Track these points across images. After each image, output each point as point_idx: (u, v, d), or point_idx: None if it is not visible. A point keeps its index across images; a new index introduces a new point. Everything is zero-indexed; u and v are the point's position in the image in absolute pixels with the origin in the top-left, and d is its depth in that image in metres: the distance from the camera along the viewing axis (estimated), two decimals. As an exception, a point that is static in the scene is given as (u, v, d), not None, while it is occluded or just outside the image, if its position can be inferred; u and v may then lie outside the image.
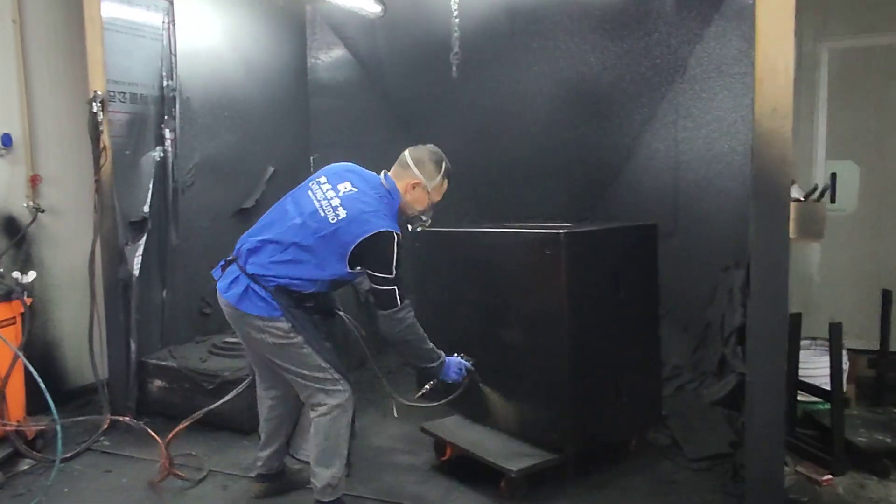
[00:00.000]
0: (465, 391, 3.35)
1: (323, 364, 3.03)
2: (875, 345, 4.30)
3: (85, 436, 4.08)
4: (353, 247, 2.92)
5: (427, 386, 3.36)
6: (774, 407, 2.99)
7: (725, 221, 4.58)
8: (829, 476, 3.43)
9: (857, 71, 4.98)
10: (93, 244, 4.19)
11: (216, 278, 3.16)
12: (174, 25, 4.50)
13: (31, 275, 3.78)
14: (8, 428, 3.59)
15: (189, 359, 4.32)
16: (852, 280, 5.00)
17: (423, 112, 5.54)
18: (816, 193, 3.03)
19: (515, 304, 3.45)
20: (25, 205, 4.35)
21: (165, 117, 4.50)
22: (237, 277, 3.03)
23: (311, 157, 5.61)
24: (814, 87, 5.05)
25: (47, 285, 4.52)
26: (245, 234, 3.17)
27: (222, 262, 3.17)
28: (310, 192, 3.07)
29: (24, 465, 3.73)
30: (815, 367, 3.94)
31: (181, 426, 3.51)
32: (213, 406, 3.62)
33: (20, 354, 3.55)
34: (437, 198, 3.24)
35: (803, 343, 4.19)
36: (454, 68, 4.49)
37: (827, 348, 4.08)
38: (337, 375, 3.06)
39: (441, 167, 3.19)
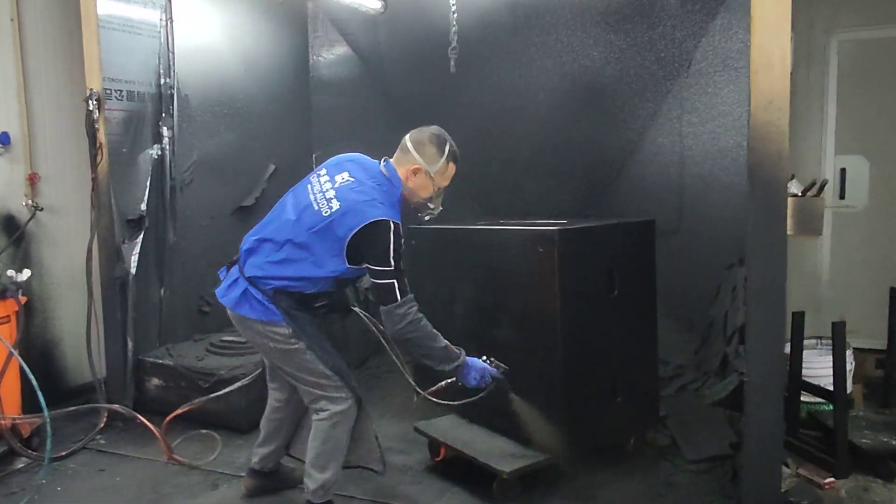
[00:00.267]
0: (491, 397, 3.08)
1: (326, 371, 2.93)
2: (884, 344, 4.19)
3: (82, 434, 4.08)
4: (348, 240, 2.78)
5: (443, 383, 3.13)
6: (773, 407, 2.92)
7: (731, 218, 4.48)
8: (832, 479, 3.35)
9: (868, 64, 4.85)
10: (90, 242, 4.19)
11: (221, 279, 3.09)
12: (172, 22, 4.48)
13: (26, 273, 3.79)
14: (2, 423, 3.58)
15: (186, 357, 4.31)
16: (862, 278, 4.89)
17: (425, 108, 5.42)
18: (815, 189, 2.94)
19: (509, 303, 3.39)
20: (24, 203, 4.35)
21: (163, 115, 4.49)
22: (236, 280, 2.98)
23: (314, 155, 5.57)
24: (823, 81, 4.94)
25: (47, 284, 4.54)
26: (248, 233, 3.08)
27: (228, 263, 3.10)
28: (308, 186, 2.97)
29: (20, 463, 3.72)
30: (820, 366, 3.84)
31: (177, 412, 3.49)
32: (209, 396, 3.60)
33: (14, 352, 3.55)
34: (443, 183, 3.06)
35: (808, 342, 4.11)
36: (452, 64, 4.41)
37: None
38: (340, 383, 2.96)
39: (444, 150, 3.00)
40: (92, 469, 3.74)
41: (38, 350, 4.51)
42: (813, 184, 2.97)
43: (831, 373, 3.52)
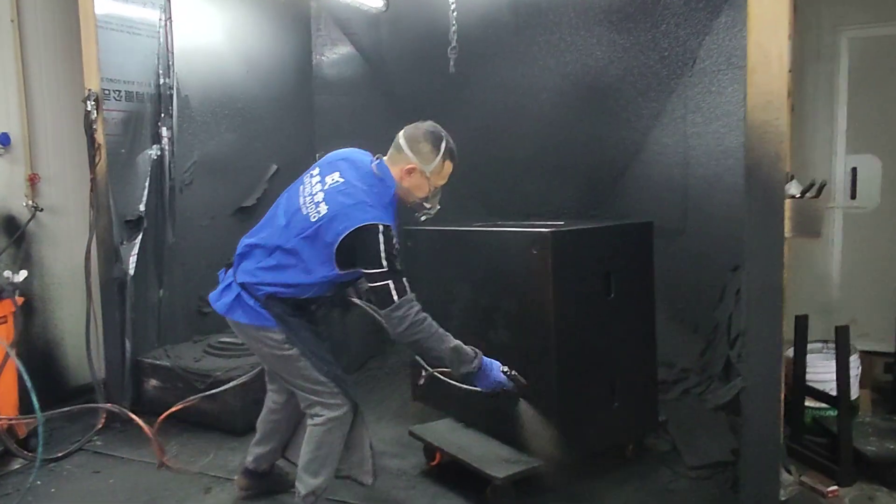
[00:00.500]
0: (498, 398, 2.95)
1: (321, 378, 2.87)
2: (894, 347, 4.10)
3: (80, 434, 4.08)
4: (336, 246, 2.69)
5: (425, 373, 3.04)
6: (771, 413, 2.85)
7: (736, 219, 4.30)
8: (835, 487, 3.27)
9: (880, 61, 4.74)
10: (88, 243, 4.20)
11: (220, 280, 3.05)
12: (171, 22, 4.48)
13: (23, 274, 3.79)
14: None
15: (183, 358, 4.30)
16: (873, 279, 4.78)
17: (427, 107, 5.37)
18: (814, 190, 2.86)
19: (505, 305, 3.33)
20: (24, 204, 4.35)
21: (162, 115, 4.48)
22: (229, 285, 2.95)
23: (317, 155, 5.54)
24: (833, 79, 4.83)
25: (47, 284, 4.55)
26: (244, 236, 3.03)
27: (226, 265, 3.07)
28: (301, 188, 2.89)
29: (16, 464, 3.73)
30: (826, 370, 3.75)
31: (168, 412, 3.46)
32: (198, 396, 3.57)
33: (11, 353, 3.55)
34: (439, 182, 2.94)
35: (815, 346, 4.03)
36: (451, 63, 4.37)
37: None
38: (336, 389, 2.90)
39: (440, 147, 2.87)
40: (87, 470, 3.73)
41: (39, 350, 4.52)
42: (812, 185, 2.89)
43: (849, 376, 3.44)
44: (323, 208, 2.74)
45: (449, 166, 2.95)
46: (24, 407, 3.83)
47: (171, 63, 4.50)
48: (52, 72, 4.50)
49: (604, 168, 5.17)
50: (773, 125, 2.74)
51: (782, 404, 3.57)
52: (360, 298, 3.20)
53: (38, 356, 4.50)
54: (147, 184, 4.41)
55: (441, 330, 2.75)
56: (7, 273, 3.73)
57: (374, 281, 2.66)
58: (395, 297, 2.65)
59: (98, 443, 4.03)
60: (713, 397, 4.00)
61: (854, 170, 4.86)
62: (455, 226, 3.68)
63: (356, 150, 3.00)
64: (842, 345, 3.36)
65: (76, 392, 4.62)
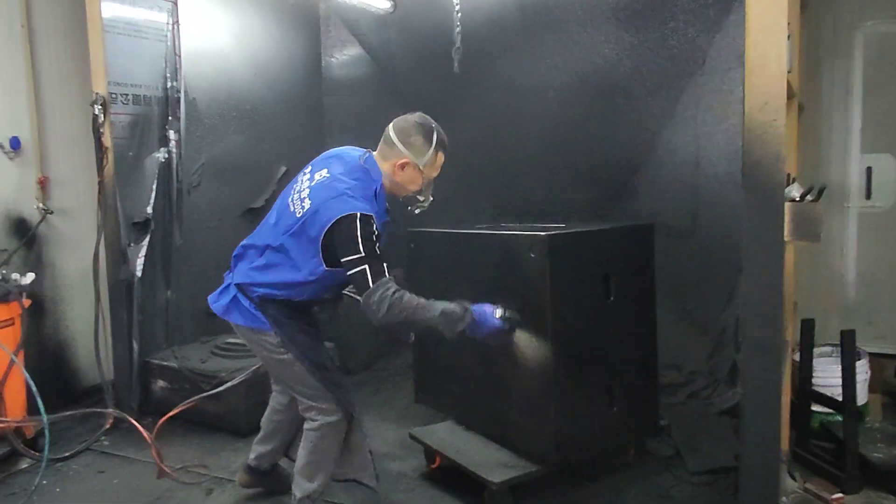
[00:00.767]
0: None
1: (315, 384, 2.86)
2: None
3: (88, 435, 4.13)
4: (321, 240, 2.67)
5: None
6: (770, 419, 2.80)
7: None
8: (840, 494, 3.20)
9: (896, 58, 4.65)
10: (96, 245, 4.25)
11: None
12: (178, 26, 4.51)
13: (30, 276, 3.84)
14: (3, 426, 3.64)
15: (190, 359, 4.34)
16: (889, 280, 4.68)
17: (437, 108, 5.32)
18: (814, 192, 2.80)
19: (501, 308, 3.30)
20: (35, 206, 4.42)
21: (170, 118, 4.51)
22: (227, 286, 2.96)
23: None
24: (848, 76, 4.73)
25: (58, 286, 4.61)
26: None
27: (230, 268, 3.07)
28: (293, 186, 2.88)
29: (24, 463, 3.78)
30: (834, 375, 3.67)
31: (166, 416, 3.51)
32: (195, 399, 3.60)
33: (15, 358, 3.60)
34: (433, 174, 2.91)
35: (824, 349, 3.96)
36: (456, 64, 4.35)
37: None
38: (329, 396, 2.89)
39: (432, 139, 2.85)
40: (92, 470, 3.78)
41: (50, 351, 4.59)
42: (811, 188, 2.83)
43: (855, 381, 3.38)
44: (307, 203, 2.73)
45: (441, 157, 2.92)
46: (33, 408, 3.89)
47: (178, 66, 4.53)
48: (62, 76, 4.56)
49: (614, 168, 5.12)
50: (771, 126, 2.69)
51: (786, 410, 3.55)
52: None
53: (50, 357, 4.58)
54: (154, 186, 4.45)
55: (422, 300, 2.68)
56: (14, 275, 3.78)
57: (353, 268, 2.60)
58: (371, 281, 2.58)
59: (105, 443, 4.08)
60: (718, 401, 3.95)
61: (869, 169, 4.75)
62: (456, 228, 3.66)
63: (349, 147, 2.98)
64: (847, 349, 3.30)
65: (88, 392, 4.69)
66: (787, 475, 3.41)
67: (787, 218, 2.72)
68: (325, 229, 2.64)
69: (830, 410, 3.58)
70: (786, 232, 2.73)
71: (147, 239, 4.38)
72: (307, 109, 5.52)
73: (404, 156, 2.82)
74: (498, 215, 5.25)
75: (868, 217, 4.78)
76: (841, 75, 4.73)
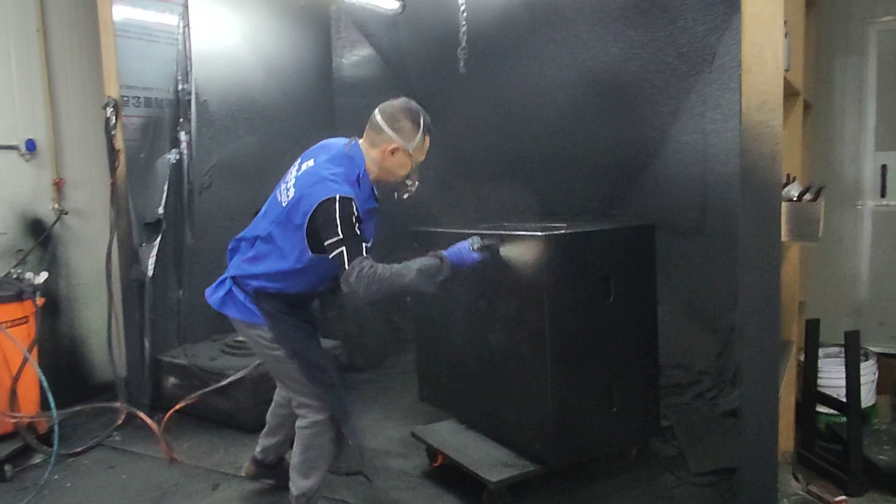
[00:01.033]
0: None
1: (306, 381, 2.89)
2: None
3: (101, 430, 4.22)
4: (306, 227, 2.67)
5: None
6: (768, 421, 2.77)
7: None
8: (844, 497, 3.17)
9: (911, 54, 4.58)
10: (109, 245, 4.34)
11: None
12: (189, 29, 4.58)
13: (43, 275, 3.93)
14: (15, 421, 3.72)
15: (200, 357, 4.40)
16: (904, 280, 4.63)
17: (446, 107, 5.44)
18: (811, 192, 2.78)
19: (502, 308, 3.32)
20: (50, 207, 4.52)
21: (181, 120, 4.59)
22: (223, 280, 3.01)
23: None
24: (861, 73, 4.67)
25: (73, 284, 4.72)
26: None
27: None
28: (284, 178, 2.92)
29: (37, 458, 3.86)
30: (842, 376, 3.64)
31: (171, 410, 3.62)
32: (196, 395, 3.67)
33: (28, 355, 3.68)
34: (420, 158, 2.91)
35: (832, 350, 3.92)
36: (461, 64, 4.37)
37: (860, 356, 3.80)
38: (317, 395, 2.90)
39: (420, 124, 2.85)
40: (103, 466, 3.86)
41: (65, 348, 4.70)
42: (808, 188, 2.81)
43: (860, 383, 3.35)
44: (292, 192, 2.75)
45: (427, 141, 2.92)
46: (46, 403, 3.96)
47: (189, 69, 4.60)
48: (77, 79, 4.67)
49: (622, 167, 5.09)
50: (768, 126, 2.67)
51: (791, 411, 3.54)
52: None
53: (65, 354, 4.69)
54: (166, 187, 4.52)
55: (395, 267, 2.68)
56: (28, 275, 3.87)
57: (332, 251, 2.60)
58: (347, 264, 2.58)
59: (117, 438, 4.16)
60: (723, 402, 3.93)
61: (884, 167, 4.69)
62: (459, 228, 3.68)
63: (336, 138, 3.00)
64: (851, 350, 3.27)
65: (102, 388, 4.79)
66: (791, 477, 3.39)
67: (784, 218, 2.70)
68: (309, 215, 2.65)
69: (836, 412, 3.55)
70: (783, 232, 2.72)
71: (158, 239, 4.46)
72: (318, 110, 5.56)
73: (394, 141, 2.82)
74: (509, 215, 5.28)
75: (883, 216, 4.71)
76: (854, 72, 4.67)
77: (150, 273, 4.39)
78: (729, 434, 3.69)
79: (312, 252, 2.73)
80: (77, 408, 4.05)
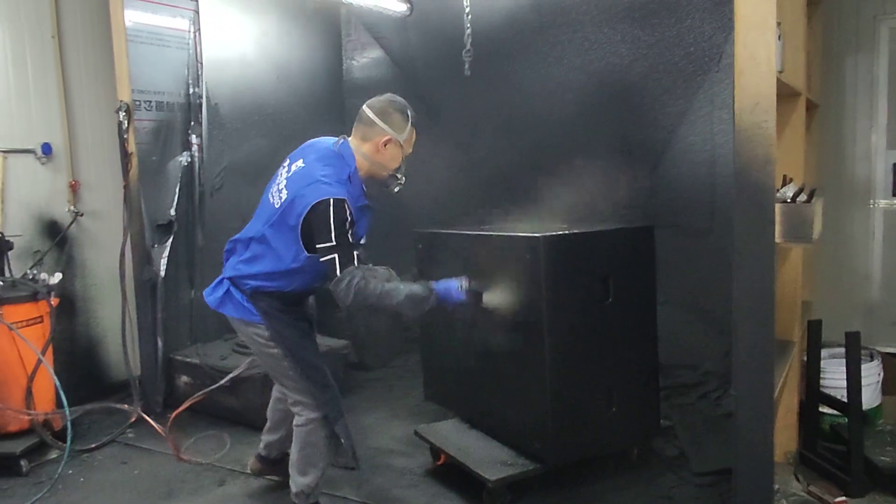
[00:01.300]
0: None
1: (301, 379, 2.95)
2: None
3: (115, 427, 4.32)
4: (300, 227, 2.74)
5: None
6: (763, 423, 2.77)
7: None
8: (844, 498, 3.16)
9: (924, 51, 4.53)
10: (122, 246, 4.43)
11: None
12: (200, 34, 4.66)
13: (57, 276, 4.02)
14: (30, 418, 3.83)
15: (212, 356, 4.49)
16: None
17: (455, 109, 5.51)
18: (805, 194, 2.78)
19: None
20: (66, 209, 4.64)
21: (192, 123, 4.67)
22: (221, 280, 3.08)
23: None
24: (872, 70, 4.63)
25: (89, 285, 4.84)
26: None
27: None
28: (274, 180, 2.98)
29: (53, 454, 3.96)
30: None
31: (177, 411, 3.75)
32: (201, 394, 3.76)
33: (42, 357, 3.79)
34: (409, 150, 3.00)
35: (838, 351, 3.88)
36: (466, 66, 4.40)
37: (864, 356, 3.79)
38: (311, 393, 2.97)
39: (408, 115, 2.94)
40: (115, 461, 3.96)
41: (82, 347, 4.83)
42: (801, 189, 2.80)
43: (860, 384, 3.34)
44: (284, 194, 2.82)
45: (414, 134, 2.99)
46: (62, 400, 4.09)
47: (200, 73, 4.68)
48: (91, 84, 4.78)
49: (631, 167, 5.09)
50: (761, 127, 2.68)
51: (793, 412, 3.53)
52: None
53: (82, 352, 4.81)
54: (178, 189, 4.62)
55: (387, 286, 2.76)
56: (43, 275, 3.98)
57: (324, 255, 2.68)
58: (338, 270, 2.66)
59: (130, 435, 4.26)
60: (727, 402, 3.92)
61: (895, 165, 4.65)
62: (459, 229, 3.72)
63: (323, 137, 3.06)
64: (852, 351, 3.26)
65: (118, 386, 4.89)
66: (792, 477, 3.39)
67: (777, 219, 2.71)
68: (302, 217, 2.72)
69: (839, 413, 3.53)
70: (777, 233, 2.72)
71: (170, 240, 4.55)
72: (329, 112, 5.63)
73: (387, 133, 2.89)
74: (516, 214, 5.31)
75: (894, 214, 4.67)
76: (864, 69, 4.63)
77: (163, 273, 4.49)
78: (730, 434, 3.67)
79: (308, 252, 2.79)
80: (88, 406, 4.16)
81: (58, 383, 3.66)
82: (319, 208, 2.68)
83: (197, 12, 4.67)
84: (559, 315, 3.13)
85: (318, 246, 2.70)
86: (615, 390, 3.32)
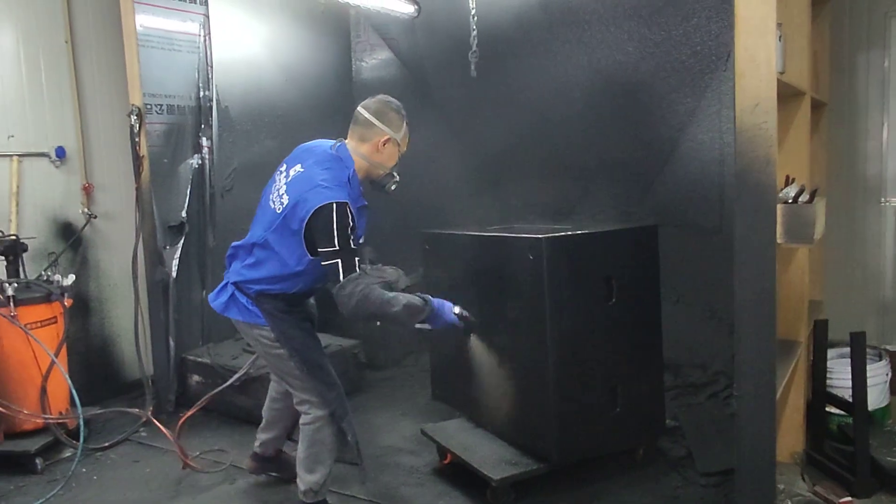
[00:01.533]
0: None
1: (307, 378, 2.99)
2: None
3: (129, 426, 4.39)
4: (303, 232, 2.79)
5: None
6: (764, 424, 2.77)
7: None
8: (849, 498, 3.15)
9: (936, 47, 4.48)
10: (135, 248, 4.49)
11: None
12: (210, 38, 4.72)
13: (71, 277, 4.10)
14: (47, 420, 3.91)
15: (223, 356, 4.55)
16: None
17: (463, 109, 5.53)
18: (807, 194, 2.77)
19: (505, 310, 3.38)
20: (80, 211, 4.72)
21: (202, 126, 4.73)
22: (225, 285, 3.13)
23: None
24: (883, 67, 4.59)
25: (103, 285, 4.92)
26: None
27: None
28: (272, 185, 3.02)
29: (68, 452, 4.04)
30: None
31: (184, 417, 3.81)
32: (210, 395, 3.88)
33: (55, 359, 3.86)
34: (404, 148, 3.07)
35: (846, 350, 3.86)
36: (473, 67, 4.42)
37: (873, 356, 3.78)
38: (318, 391, 3.01)
39: (402, 114, 3.02)
40: (128, 460, 4.03)
41: (97, 347, 4.91)
42: (802, 189, 2.80)
43: (871, 383, 3.34)
44: (286, 199, 2.86)
45: (408, 133, 3.07)
46: (83, 399, 4.13)
47: (210, 76, 4.74)
48: (104, 88, 4.85)
49: (639, 166, 5.08)
50: (761, 128, 2.67)
51: (799, 412, 3.52)
52: None
53: (97, 353, 4.90)
54: (189, 191, 4.68)
55: (388, 295, 2.82)
56: (57, 277, 4.05)
57: (327, 259, 2.73)
58: (342, 276, 2.70)
59: (143, 434, 4.33)
60: (734, 402, 3.91)
61: (907, 164, 4.61)
62: (463, 230, 3.75)
63: (319, 140, 3.11)
64: (857, 351, 3.25)
65: (132, 386, 4.97)
66: (798, 477, 3.38)
67: (779, 220, 2.71)
68: (305, 221, 2.76)
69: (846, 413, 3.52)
70: (779, 234, 2.72)
71: (182, 241, 4.61)
72: (338, 113, 5.60)
73: (386, 133, 2.96)
74: (525, 213, 5.32)
75: (908, 214, 4.64)
76: (876, 66, 4.59)
77: (174, 274, 4.55)
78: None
79: (311, 256, 2.84)
80: (99, 410, 4.24)
81: (71, 384, 3.73)
82: (322, 212, 2.72)
83: (207, 16, 4.72)
84: (562, 315, 3.15)
85: (320, 250, 2.75)
86: (619, 390, 3.33)
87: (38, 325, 3.89)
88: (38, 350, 3.83)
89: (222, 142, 4.85)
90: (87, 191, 4.74)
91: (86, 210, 4.73)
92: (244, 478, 3.71)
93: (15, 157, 4.40)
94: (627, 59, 4.79)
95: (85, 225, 4.72)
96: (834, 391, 3.55)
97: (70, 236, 4.69)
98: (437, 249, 3.92)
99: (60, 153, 4.59)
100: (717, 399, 4.21)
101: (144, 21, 4.43)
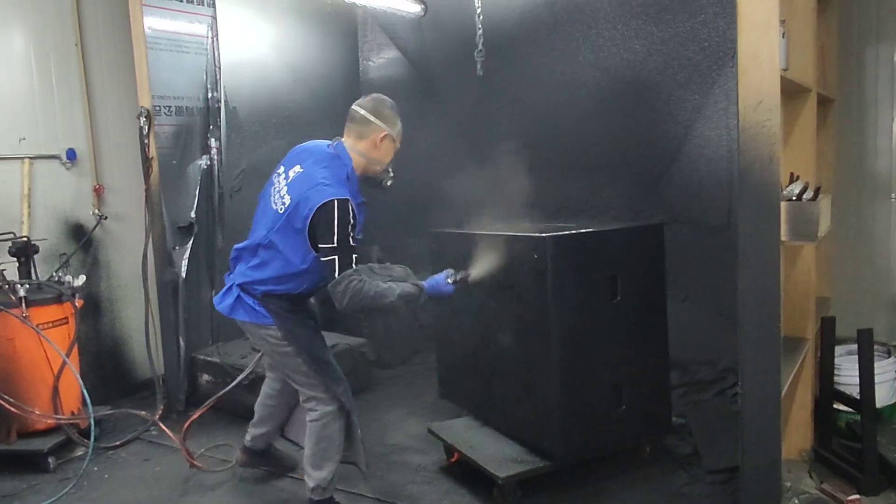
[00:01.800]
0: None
1: (314, 375, 3.03)
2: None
3: (139, 425, 4.43)
4: (307, 230, 2.82)
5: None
6: (769, 422, 2.78)
7: None
8: (857, 496, 3.13)
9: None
10: (144, 248, 4.55)
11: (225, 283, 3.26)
12: (217, 40, 4.75)
13: (81, 278, 4.14)
14: (59, 420, 3.96)
15: (232, 355, 4.58)
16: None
17: (470, 107, 5.54)
18: (811, 191, 2.76)
19: (509, 308, 3.39)
20: (91, 212, 4.77)
21: (211, 127, 4.77)
22: (230, 287, 3.16)
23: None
24: (892, 61, 4.56)
25: (114, 286, 4.97)
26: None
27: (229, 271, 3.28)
28: (272, 188, 3.05)
29: (80, 451, 4.08)
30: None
31: (190, 420, 3.84)
32: (214, 398, 3.94)
33: (66, 359, 3.91)
34: (399, 143, 3.12)
35: (854, 347, 3.84)
36: (478, 66, 4.43)
37: (881, 353, 3.76)
38: (326, 387, 3.05)
39: (396, 111, 3.09)
40: (139, 458, 4.07)
41: (108, 347, 4.96)
42: (806, 187, 2.79)
43: (879, 381, 3.32)
44: (287, 199, 2.90)
45: (401, 128, 3.12)
46: (95, 398, 4.16)
47: (218, 77, 4.77)
48: (113, 90, 4.90)
49: (648, 163, 5.07)
50: (765, 126, 2.68)
51: (807, 409, 3.51)
52: None
53: (108, 352, 4.95)
54: (197, 192, 4.71)
55: (381, 287, 2.85)
56: (67, 278, 4.10)
57: (325, 256, 2.78)
58: (337, 272, 2.75)
59: (153, 433, 4.37)
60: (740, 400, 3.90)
61: (918, 163, 4.58)
62: (469, 229, 3.76)
63: (314, 140, 3.16)
64: (864, 348, 3.23)
65: (143, 385, 5.02)
66: (806, 475, 3.37)
67: (783, 218, 2.70)
68: (308, 219, 2.80)
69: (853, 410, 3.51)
70: (783, 231, 2.71)
71: (191, 242, 4.65)
72: (346, 113, 5.66)
73: (383, 129, 3.01)
74: (533, 212, 5.31)
75: (919, 211, 4.60)
76: (886, 61, 4.56)
77: (184, 275, 4.59)
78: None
79: (316, 252, 2.87)
80: (109, 410, 4.29)
81: (82, 384, 3.77)
82: (325, 210, 2.76)
83: (214, 18, 4.75)
84: (567, 314, 3.16)
85: (320, 246, 2.80)
86: (624, 388, 3.33)
87: (50, 325, 3.94)
88: (50, 350, 3.88)
89: (230, 142, 4.89)
90: (98, 192, 4.79)
91: (96, 211, 4.78)
92: (253, 475, 3.74)
93: (26, 160, 4.46)
94: (634, 56, 4.78)
95: (95, 226, 4.77)
96: (842, 388, 3.53)
97: (81, 237, 4.74)
98: (445, 249, 3.93)
99: (71, 155, 4.65)
100: (725, 396, 4.20)
101: (153, 23, 4.47)
